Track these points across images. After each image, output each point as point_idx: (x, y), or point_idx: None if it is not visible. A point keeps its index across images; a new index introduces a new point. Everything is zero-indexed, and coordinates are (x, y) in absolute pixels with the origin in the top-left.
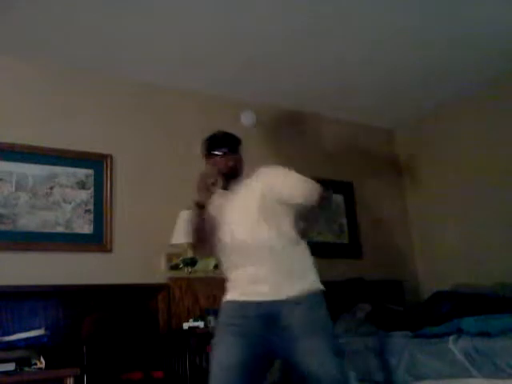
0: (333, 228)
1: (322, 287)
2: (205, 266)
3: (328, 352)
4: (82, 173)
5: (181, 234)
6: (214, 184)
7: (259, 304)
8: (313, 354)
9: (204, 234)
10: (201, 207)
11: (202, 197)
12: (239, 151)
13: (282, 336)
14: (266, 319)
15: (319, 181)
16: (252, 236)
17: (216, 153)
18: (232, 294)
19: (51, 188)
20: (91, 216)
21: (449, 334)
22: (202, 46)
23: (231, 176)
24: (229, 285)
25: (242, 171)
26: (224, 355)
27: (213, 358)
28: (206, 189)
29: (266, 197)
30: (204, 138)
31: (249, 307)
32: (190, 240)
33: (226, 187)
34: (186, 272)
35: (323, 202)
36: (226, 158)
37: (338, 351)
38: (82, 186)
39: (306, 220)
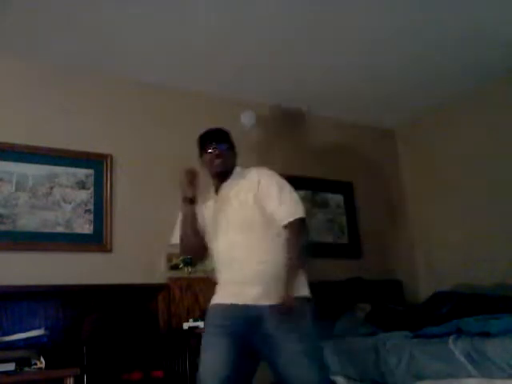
0: (333, 228)
1: None
2: (205, 265)
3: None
4: (81, 173)
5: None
6: (195, 178)
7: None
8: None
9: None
10: (190, 201)
11: (188, 192)
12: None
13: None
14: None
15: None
16: None
17: (218, 148)
18: None
19: (51, 188)
20: (91, 216)
21: (449, 334)
22: (202, 46)
23: (226, 175)
24: None
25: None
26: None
27: None
28: (190, 183)
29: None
30: (200, 133)
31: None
32: (179, 243)
33: (218, 188)
34: (186, 272)
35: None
36: (227, 154)
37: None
38: (82, 186)
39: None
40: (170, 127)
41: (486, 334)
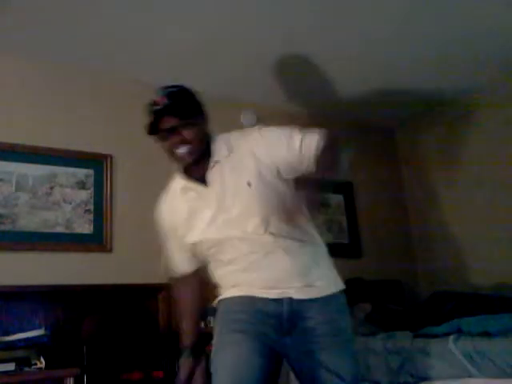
0: (333, 228)
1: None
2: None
3: None
4: (82, 173)
5: None
6: None
7: None
8: None
9: None
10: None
11: None
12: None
13: None
14: None
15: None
16: None
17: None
18: None
19: (51, 188)
20: (91, 216)
21: (449, 334)
22: (202, 46)
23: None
24: None
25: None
26: None
27: None
28: None
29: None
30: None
31: None
32: None
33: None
34: None
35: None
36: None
37: None
38: (82, 186)
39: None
40: None
41: (487, 334)
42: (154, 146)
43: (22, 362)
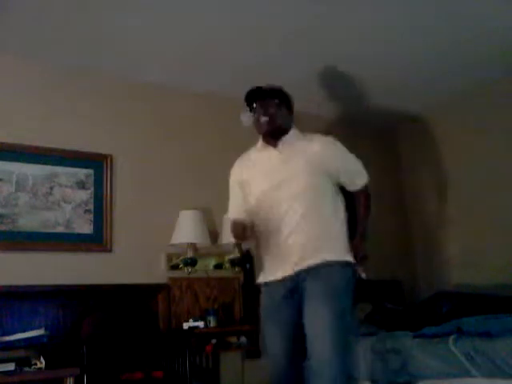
0: None
1: None
2: (205, 266)
3: None
4: (82, 173)
5: (181, 234)
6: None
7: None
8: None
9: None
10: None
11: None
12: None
13: None
14: None
15: None
16: None
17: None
18: None
19: (51, 188)
20: (91, 216)
21: (449, 334)
22: (203, 46)
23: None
24: None
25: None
26: None
27: None
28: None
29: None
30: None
31: None
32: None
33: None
34: (185, 272)
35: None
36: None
37: None
38: (82, 186)
39: None
40: (169, 127)
41: (487, 334)
42: (153, 147)
43: (22, 362)
